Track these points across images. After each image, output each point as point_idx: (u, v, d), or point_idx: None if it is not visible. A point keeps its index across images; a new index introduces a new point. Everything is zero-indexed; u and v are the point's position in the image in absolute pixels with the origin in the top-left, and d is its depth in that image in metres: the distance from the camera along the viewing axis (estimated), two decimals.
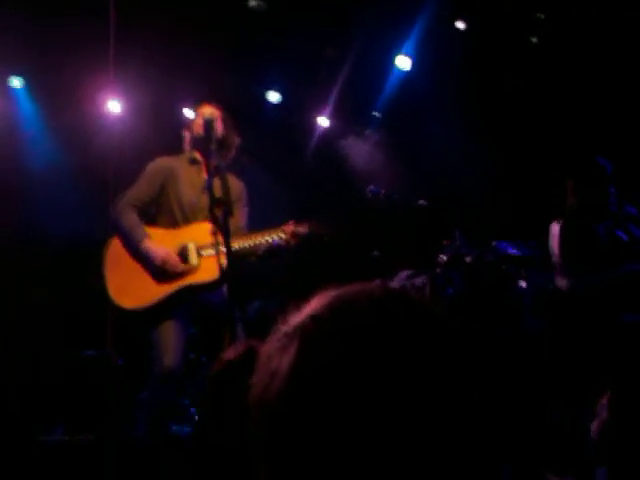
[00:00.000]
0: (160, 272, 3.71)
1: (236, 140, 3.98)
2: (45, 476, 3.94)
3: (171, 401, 3.73)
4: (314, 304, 0.90)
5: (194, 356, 5.04)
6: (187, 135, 4.04)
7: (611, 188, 4.17)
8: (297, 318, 0.89)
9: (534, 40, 6.23)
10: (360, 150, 6.81)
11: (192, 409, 4.68)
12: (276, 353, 0.86)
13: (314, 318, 0.87)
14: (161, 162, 4.00)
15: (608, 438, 2.23)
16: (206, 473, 1.44)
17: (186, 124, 4.12)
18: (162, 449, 3.55)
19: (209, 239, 3.48)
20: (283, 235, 3.67)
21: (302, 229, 3.69)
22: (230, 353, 1.48)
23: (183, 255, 3.72)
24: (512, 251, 4.27)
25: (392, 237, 5.75)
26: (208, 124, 3.71)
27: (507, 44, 6.08)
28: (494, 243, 4.28)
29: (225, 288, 3.24)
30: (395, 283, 4.24)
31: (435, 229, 4.51)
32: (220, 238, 3.21)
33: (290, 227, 3.69)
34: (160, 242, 3.75)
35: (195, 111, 4.05)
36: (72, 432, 4.33)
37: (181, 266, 3.69)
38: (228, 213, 3.24)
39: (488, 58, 6.10)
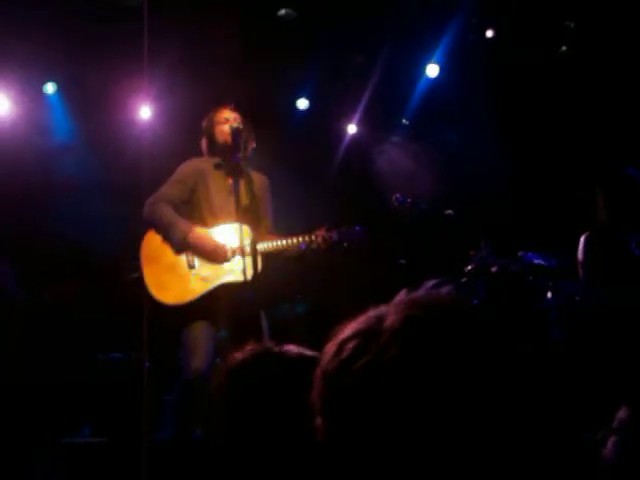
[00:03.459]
0: (202, 267, 3.76)
1: (253, 143, 4.02)
2: (69, 477, 3.99)
3: (197, 403, 3.77)
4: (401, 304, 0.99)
5: (220, 360, 5.07)
6: (205, 142, 4.07)
7: None
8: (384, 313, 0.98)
9: (563, 49, 6.20)
10: (387, 158, 6.81)
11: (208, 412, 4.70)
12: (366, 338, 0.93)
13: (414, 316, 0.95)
14: (193, 164, 4.04)
15: (627, 458, 2.22)
16: (218, 473, 1.47)
17: (204, 129, 4.12)
18: (187, 451, 3.60)
19: (240, 240, 3.55)
20: (314, 239, 3.71)
21: (333, 235, 3.73)
22: (239, 354, 1.51)
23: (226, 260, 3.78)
24: (538, 262, 4.25)
25: (418, 246, 5.75)
26: (236, 133, 3.76)
27: (536, 53, 6.05)
28: (520, 253, 4.27)
29: (253, 290, 3.28)
30: (420, 292, 4.24)
31: (461, 238, 4.50)
32: (250, 240, 3.26)
33: (321, 232, 3.73)
34: None
35: (213, 116, 4.05)
36: (98, 434, 4.38)
37: (226, 258, 3.74)
38: (255, 219, 3.30)
39: (517, 67, 6.08)
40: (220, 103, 4.08)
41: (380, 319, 0.97)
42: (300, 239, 3.77)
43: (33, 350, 5.58)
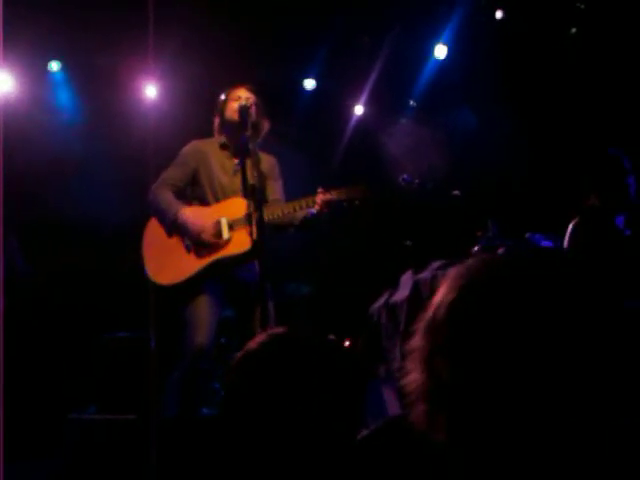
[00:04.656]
0: (195, 246, 3.76)
1: (266, 124, 3.99)
2: (76, 452, 4.01)
3: (202, 380, 3.77)
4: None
5: (225, 340, 5.08)
6: (217, 120, 4.05)
7: (629, 179, 4.07)
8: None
9: (573, 31, 6.15)
10: (394, 139, 6.79)
11: (222, 393, 4.73)
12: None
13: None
14: (194, 146, 4.03)
15: None
16: (229, 455, 1.47)
17: (218, 106, 4.09)
18: (192, 428, 3.60)
19: (241, 213, 3.54)
20: (315, 205, 3.68)
21: (332, 195, 3.70)
22: (253, 342, 1.51)
23: (216, 230, 3.77)
24: (545, 243, 4.23)
25: (425, 227, 5.74)
26: (244, 110, 3.74)
27: (545, 34, 6.01)
28: (527, 235, 4.25)
29: (258, 267, 3.26)
30: (427, 273, 4.23)
31: (468, 219, 4.48)
32: (252, 211, 3.25)
33: (320, 196, 3.69)
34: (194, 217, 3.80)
35: (227, 94, 4.03)
36: (104, 412, 4.40)
37: (216, 237, 3.73)
38: (261, 200, 3.27)
39: (526, 48, 6.04)
40: (236, 82, 4.05)
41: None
42: (297, 203, 3.71)
43: (39, 328, 5.60)
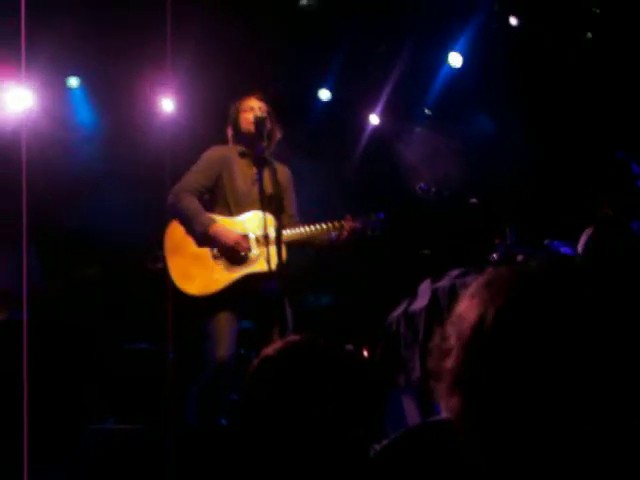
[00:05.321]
0: (225, 258, 3.76)
1: (278, 133, 4.00)
2: (94, 462, 4.02)
3: (223, 392, 3.78)
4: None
5: (244, 352, 5.08)
6: (230, 131, 4.06)
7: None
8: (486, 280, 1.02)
9: (589, 36, 6.12)
10: (410, 147, 6.79)
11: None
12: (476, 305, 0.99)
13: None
14: (218, 151, 4.03)
15: None
16: (244, 463, 1.46)
17: (229, 119, 4.10)
18: (212, 441, 3.61)
19: (263, 230, 3.55)
20: (340, 228, 3.71)
21: (358, 224, 3.73)
22: (270, 349, 1.51)
23: (248, 244, 3.79)
24: (565, 250, 4.20)
25: (442, 235, 5.72)
26: (260, 121, 3.76)
27: (561, 40, 5.98)
28: (547, 242, 4.23)
29: (278, 281, 3.28)
30: (445, 282, 4.22)
31: (486, 227, 4.47)
32: (274, 229, 3.27)
33: (348, 223, 3.73)
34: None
35: (238, 105, 4.03)
36: (123, 422, 4.42)
37: (248, 250, 3.75)
38: (279, 210, 3.29)
39: (541, 54, 6.01)
40: (246, 92, 4.06)
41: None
42: (324, 226, 3.77)
43: (58, 340, 5.63)
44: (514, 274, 1.02)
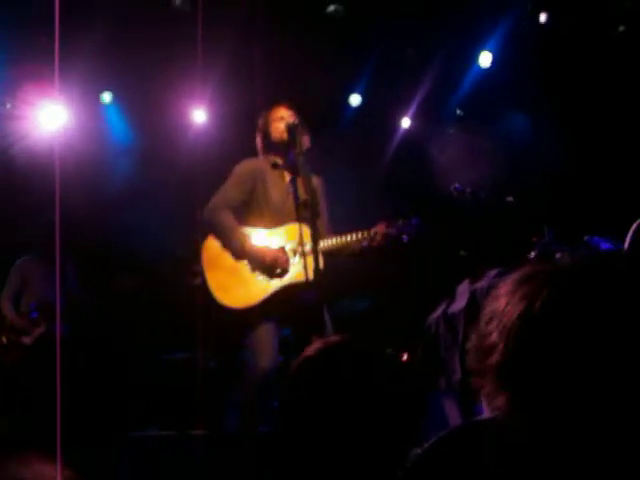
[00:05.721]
0: (263, 271, 3.78)
1: (307, 141, 4.00)
2: (138, 469, 4.06)
3: (263, 401, 3.79)
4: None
5: (283, 359, 5.09)
6: (260, 141, 4.07)
7: None
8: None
9: (621, 29, 6.03)
10: (444, 149, 6.74)
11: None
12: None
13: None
14: (250, 164, 4.05)
15: None
16: (285, 466, 1.46)
17: (259, 129, 4.12)
18: (251, 449, 3.62)
19: (300, 240, 3.56)
20: (374, 235, 3.70)
21: (392, 230, 3.72)
22: (310, 350, 1.50)
23: (285, 257, 3.80)
24: (605, 246, 4.13)
25: (479, 236, 5.67)
26: (293, 129, 3.76)
27: (593, 33, 5.90)
28: (586, 238, 4.15)
29: (316, 290, 3.29)
30: (483, 282, 4.17)
31: (523, 226, 4.41)
32: (310, 239, 3.27)
33: (382, 229, 3.72)
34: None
35: (268, 114, 4.05)
36: (164, 430, 4.46)
37: (287, 263, 3.76)
38: (315, 215, 3.29)
39: (573, 49, 5.94)
40: (275, 102, 4.08)
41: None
42: (360, 236, 3.76)
43: (99, 352, 5.69)
44: (555, 268, 1.01)
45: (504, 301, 1.01)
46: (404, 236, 3.81)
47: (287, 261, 3.78)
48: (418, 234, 3.84)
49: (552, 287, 0.97)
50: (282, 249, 3.81)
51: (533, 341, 0.96)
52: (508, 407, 0.98)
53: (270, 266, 3.75)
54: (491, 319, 1.03)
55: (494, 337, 1.00)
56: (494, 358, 0.99)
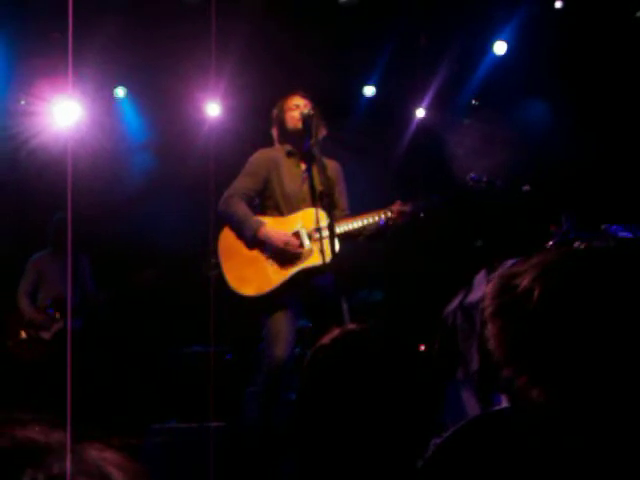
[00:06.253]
0: (277, 257, 3.78)
1: (324, 130, 3.98)
2: (158, 458, 4.07)
3: (280, 392, 3.79)
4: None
5: (300, 350, 5.09)
6: (276, 131, 4.06)
7: None
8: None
9: (639, 14, 5.95)
10: (459, 139, 6.70)
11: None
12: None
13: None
14: (264, 154, 4.05)
15: None
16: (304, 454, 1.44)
17: (274, 117, 4.10)
18: (269, 440, 3.62)
19: (316, 225, 3.55)
20: (390, 214, 3.69)
21: (407, 207, 3.71)
22: (326, 338, 1.49)
23: (298, 241, 3.79)
24: (624, 234, 4.08)
25: (496, 225, 5.63)
26: (307, 118, 3.75)
27: (609, 20, 5.83)
28: (604, 227, 4.10)
29: (331, 277, 3.28)
30: (501, 272, 4.13)
31: (541, 215, 4.37)
32: (326, 223, 3.26)
33: (397, 206, 3.71)
34: (272, 228, 3.82)
35: (283, 103, 4.03)
36: (184, 422, 4.47)
37: (300, 247, 3.75)
38: (331, 204, 3.28)
39: (589, 35, 5.87)
40: (290, 90, 4.06)
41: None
42: (376, 216, 3.75)
43: (117, 346, 5.72)
44: (556, 254, 1.00)
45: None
46: (421, 212, 3.80)
47: (299, 245, 3.77)
48: (435, 210, 3.82)
49: (549, 273, 0.96)
50: (296, 233, 3.80)
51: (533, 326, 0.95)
52: (544, 399, 0.96)
53: (283, 250, 3.74)
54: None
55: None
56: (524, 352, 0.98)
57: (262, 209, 3.96)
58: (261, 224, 3.82)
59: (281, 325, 3.71)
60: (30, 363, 5.40)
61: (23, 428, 0.69)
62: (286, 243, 3.75)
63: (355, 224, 3.76)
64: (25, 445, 0.66)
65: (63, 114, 5.59)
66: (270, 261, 3.81)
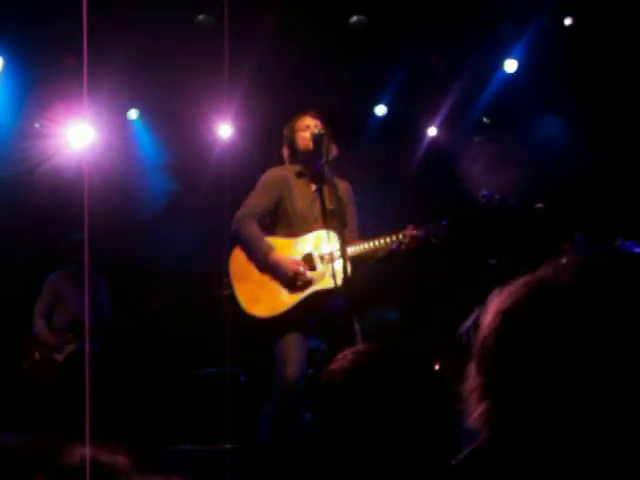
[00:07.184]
0: (285, 284, 3.77)
1: (335, 150, 3.99)
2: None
3: (294, 413, 3.77)
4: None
5: (314, 371, 5.07)
6: (287, 151, 4.08)
7: None
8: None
9: None
10: (471, 157, 6.70)
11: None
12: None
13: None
14: (276, 173, 4.05)
15: None
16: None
17: (286, 139, 4.12)
18: (284, 460, 3.60)
19: (327, 247, 3.55)
20: (402, 238, 3.69)
21: (420, 232, 3.70)
22: (336, 362, 1.48)
23: (308, 263, 3.79)
24: (639, 250, 4.06)
25: (509, 243, 5.61)
26: (318, 138, 3.76)
27: (619, 35, 5.82)
28: (618, 242, 4.09)
29: (344, 297, 3.28)
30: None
31: (554, 232, 4.35)
32: (338, 245, 3.26)
33: (409, 231, 3.70)
34: (282, 251, 3.81)
35: (293, 124, 4.05)
36: (198, 444, 4.46)
37: (310, 274, 3.75)
38: (342, 223, 3.28)
39: (600, 51, 5.87)
40: (301, 111, 4.08)
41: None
42: (388, 239, 3.75)
43: (131, 368, 5.71)
44: (521, 284, 0.96)
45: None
46: (432, 237, 3.80)
47: (311, 268, 3.77)
48: (446, 235, 3.82)
49: (502, 316, 0.92)
50: (308, 256, 3.80)
51: (491, 376, 0.92)
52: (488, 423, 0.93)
53: (292, 279, 3.75)
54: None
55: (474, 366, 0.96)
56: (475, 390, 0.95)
57: (273, 229, 3.97)
58: (271, 249, 3.82)
59: (292, 346, 3.71)
60: (43, 384, 5.41)
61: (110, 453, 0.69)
62: (295, 273, 3.74)
63: (367, 246, 3.75)
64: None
65: (77, 136, 5.63)
66: (282, 283, 3.81)
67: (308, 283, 3.77)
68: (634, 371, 0.83)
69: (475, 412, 0.92)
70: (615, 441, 0.82)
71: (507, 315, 0.91)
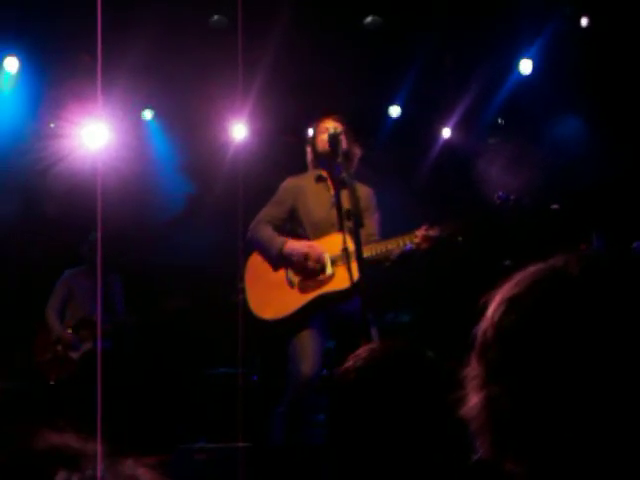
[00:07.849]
0: (299, 281, 3.77)
1: (358, 152, 3.99)
2: (186, 478, 4.06)
3: (308, 412, 3.77)
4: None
5: (327, 372, 5.06)
6: (309, 152, 4.10)
7: None
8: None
9: None
10: (486, 158, 6.67)
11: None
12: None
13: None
14: (291, 182, 4.09)
15: None
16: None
17: (308, 141, 4.15)
18: (298, 459, 3.59)
19: (341, 250, 3.54)
20: (416, 239, 3.67)
21: (434, 232, 3.67)
22: (350, 361, 1.47)
23: (320, 262, 3.79)
24: None
25: (524, 244, 5.57)
26: (334, 139, 3.74)
27: (635, 34, 5.78)
28: (636, 244, 4.06)
29: (359, 299, 3.27)
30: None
31: (570, 233, 4.32)
32: (352, 248, 3.25)
33: (422, 231, 3.68)
34: None
35: (316, 127, 4.07)
36: (213, 443, 4.46)
37: (318, 264, 3.74)
38: (358, 224, 3.27)
39: (616, 52, 5.83)
40: (323, 113, 4.10)
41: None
42: (401, 241, 3.72)
43: (145, 367, 5.72)
44: (525, 275, 0.94)
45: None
46: (446, 238, 3.77)
47: (319, 257, 3.77)
48: (461, 235, 3.80)
49: (504, 308, 0.90)
50: (316, 245, 3.83)
51: (491, 369, 0.89)
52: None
53: (303, 260, 3.75)
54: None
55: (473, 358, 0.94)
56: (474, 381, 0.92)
57: (293, 236, 4.00)
58: (286, 241, 3.87)
59: (306, 343, 3.72)
60: (57, 382, 5.42)
61: (59, 434, 0.69)
62: (306, 254, 3.75)
63: (380, 248, 3.74)
64: (60, 448, 0.67)
65: (92, 137, 5.65)
66: (290, 285, 3.83)
67: (315, 285, 3.77)
68: (634, 371, 0.81)
69: (471, 401, 0.90)
70: (617, 438, 0.81)
71: (511, 302, 0.89)
